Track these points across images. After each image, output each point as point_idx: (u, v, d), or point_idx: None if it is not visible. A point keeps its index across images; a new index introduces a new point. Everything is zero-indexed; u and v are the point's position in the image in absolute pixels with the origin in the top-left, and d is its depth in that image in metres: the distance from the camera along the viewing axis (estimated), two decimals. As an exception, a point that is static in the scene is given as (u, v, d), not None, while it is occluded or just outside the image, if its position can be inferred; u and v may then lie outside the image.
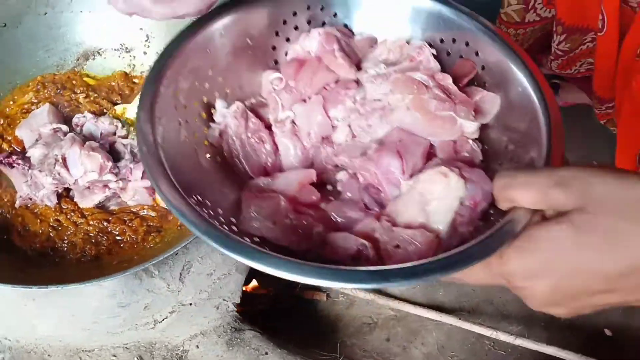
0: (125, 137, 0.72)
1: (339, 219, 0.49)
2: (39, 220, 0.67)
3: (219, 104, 0.52)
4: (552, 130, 0.49)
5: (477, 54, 0.54)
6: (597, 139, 0.89)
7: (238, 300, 0.75)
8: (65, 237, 0.67)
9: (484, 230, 0.43)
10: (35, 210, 0.68)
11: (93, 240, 0.68)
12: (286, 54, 0.57)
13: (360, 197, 0.50)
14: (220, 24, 0.52)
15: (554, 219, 0.41)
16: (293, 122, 0.53)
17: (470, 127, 0.52)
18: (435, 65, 0.56)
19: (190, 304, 0.71)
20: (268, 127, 0.54)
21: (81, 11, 0.77)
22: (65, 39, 0.78)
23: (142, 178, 0.69)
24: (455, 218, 0.47)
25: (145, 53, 0.80)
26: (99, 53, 0.79)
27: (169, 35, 0.76)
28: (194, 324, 0.72)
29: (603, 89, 0.79)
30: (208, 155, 0.50)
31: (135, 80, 0.80)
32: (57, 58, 0.78)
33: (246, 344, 0.72)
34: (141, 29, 0.79)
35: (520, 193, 0.43)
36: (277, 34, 0.56)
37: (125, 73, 0.80)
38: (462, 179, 0.48)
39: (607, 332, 0.80)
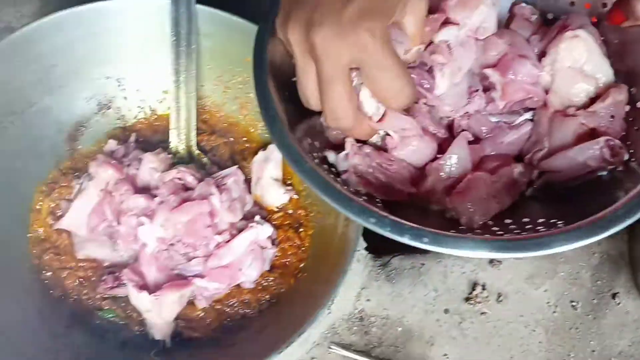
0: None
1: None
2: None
3: (331, 156, 0.54)
4: None
5: None
6: None
7: (365, 246, 0.77)
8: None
9: None
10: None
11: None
12: None
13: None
14: None
15: None
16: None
17: None
18: None
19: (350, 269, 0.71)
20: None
21: (36, 102, 0.67)
22: (41, 138, 0.68)
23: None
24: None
25: (125, 98, 0.73)
26: (82, 126, 0.71)
27: (140, 74, 0.71)
28: (355, 284, 0.73)
29: None
30: None
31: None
32: (48, 159, 0.69)
33: (403, 268, 0.75)
34: (107, 77, 0.71)
35: None
36: None
37: (122, 128, 0.73)
38: (586, 30, 0.53)
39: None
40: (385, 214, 0.47)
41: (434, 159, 0.56)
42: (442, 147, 0.56)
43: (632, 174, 0.51)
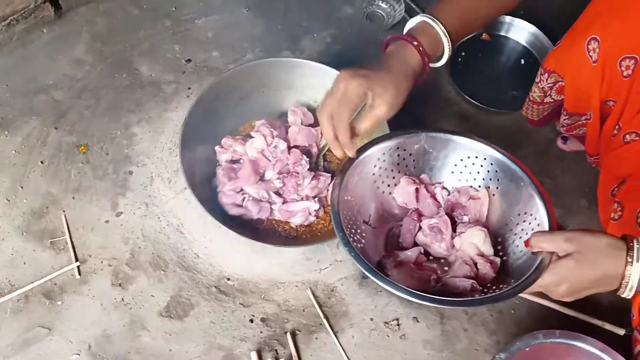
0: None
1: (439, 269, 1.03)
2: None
3: None
4: (549, 210, 0.95)
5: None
6: (592, 170, 1.37)
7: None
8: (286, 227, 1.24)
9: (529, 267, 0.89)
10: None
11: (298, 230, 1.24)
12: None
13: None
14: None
15: (565, 257, 0.84)
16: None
17: None
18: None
19: (340, 261, 1.27)
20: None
21: (282, 90, 1.32)
22: (272, 107, 1.34)
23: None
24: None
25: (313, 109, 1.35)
26: (283, 114, 1.35)
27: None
28: (341, 272, 1.27)
29: (591, 149, 1.25)
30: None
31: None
32: (266, 114, 1.33)
33: (369, 285, 1.26)
34: (315, 101, 1.34)
35: (547, 245, 0.86)
36: None
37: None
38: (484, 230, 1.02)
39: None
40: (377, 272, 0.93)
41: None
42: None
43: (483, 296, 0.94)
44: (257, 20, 1.60)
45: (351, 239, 0.94)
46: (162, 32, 1.55)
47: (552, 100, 1.25)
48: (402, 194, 1.06)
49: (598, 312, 1.24)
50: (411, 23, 0.99)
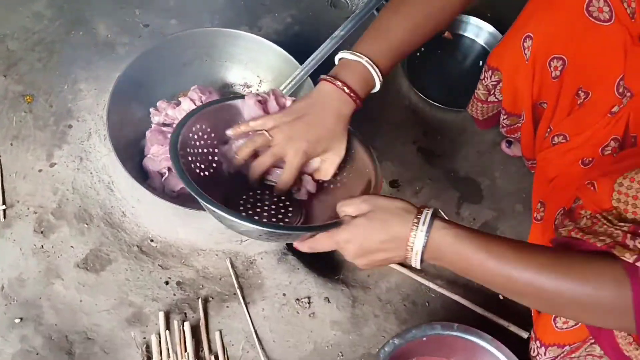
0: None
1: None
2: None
3: None
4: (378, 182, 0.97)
5: None
6: (531, 177, 1.33)
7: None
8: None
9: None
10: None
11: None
12: None
13: None
14: None
15: (360, 216, 0.83)
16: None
17: None
18: None
19: (260, 234, 1.28)
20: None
21: (226, 61, 1.35)
22: (214, 77, 1.35)
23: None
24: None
25: (257, 89, 1.37)
26: (231, 86, 1.37)
27: (275, 83, 1.32)
28: (262, 246, 1.29)
29: (527, 153, 1.26)
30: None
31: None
32: (208, 83, 1.33)
33: (288, 261, 1.27)
34: (258, 76, 1.36)
35: (348, 208, 0.85)
36: None
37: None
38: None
39: (500, 296, 1.27)
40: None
41: None
42: None
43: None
44: (220, -7, 1.62)
45: (194, 164, 0.97)
46: (125, -5, 1.57)
47: (496, 100, 1.26)
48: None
49: (509, 314, 1.25)
50: (338, 57, 0.98)
